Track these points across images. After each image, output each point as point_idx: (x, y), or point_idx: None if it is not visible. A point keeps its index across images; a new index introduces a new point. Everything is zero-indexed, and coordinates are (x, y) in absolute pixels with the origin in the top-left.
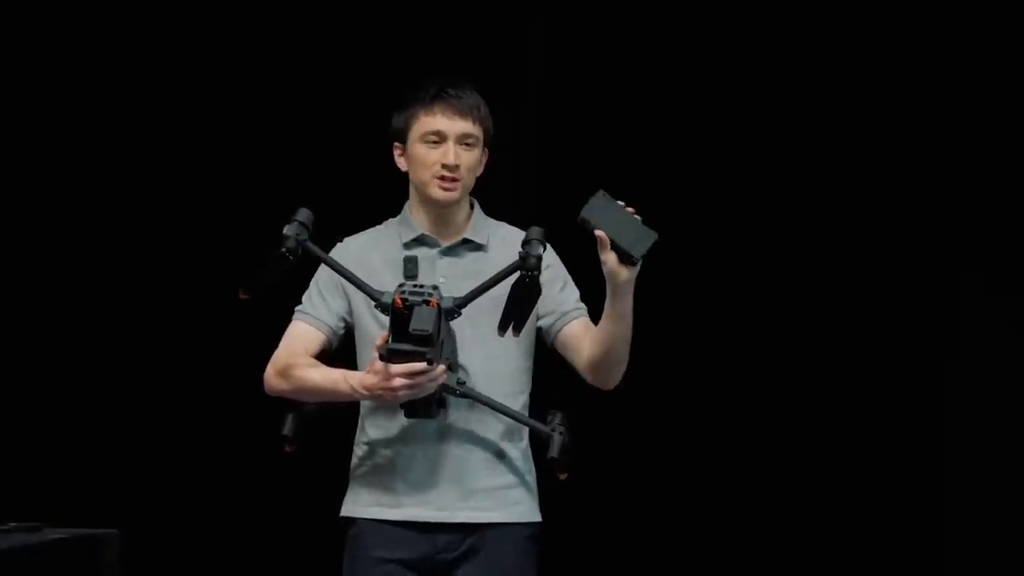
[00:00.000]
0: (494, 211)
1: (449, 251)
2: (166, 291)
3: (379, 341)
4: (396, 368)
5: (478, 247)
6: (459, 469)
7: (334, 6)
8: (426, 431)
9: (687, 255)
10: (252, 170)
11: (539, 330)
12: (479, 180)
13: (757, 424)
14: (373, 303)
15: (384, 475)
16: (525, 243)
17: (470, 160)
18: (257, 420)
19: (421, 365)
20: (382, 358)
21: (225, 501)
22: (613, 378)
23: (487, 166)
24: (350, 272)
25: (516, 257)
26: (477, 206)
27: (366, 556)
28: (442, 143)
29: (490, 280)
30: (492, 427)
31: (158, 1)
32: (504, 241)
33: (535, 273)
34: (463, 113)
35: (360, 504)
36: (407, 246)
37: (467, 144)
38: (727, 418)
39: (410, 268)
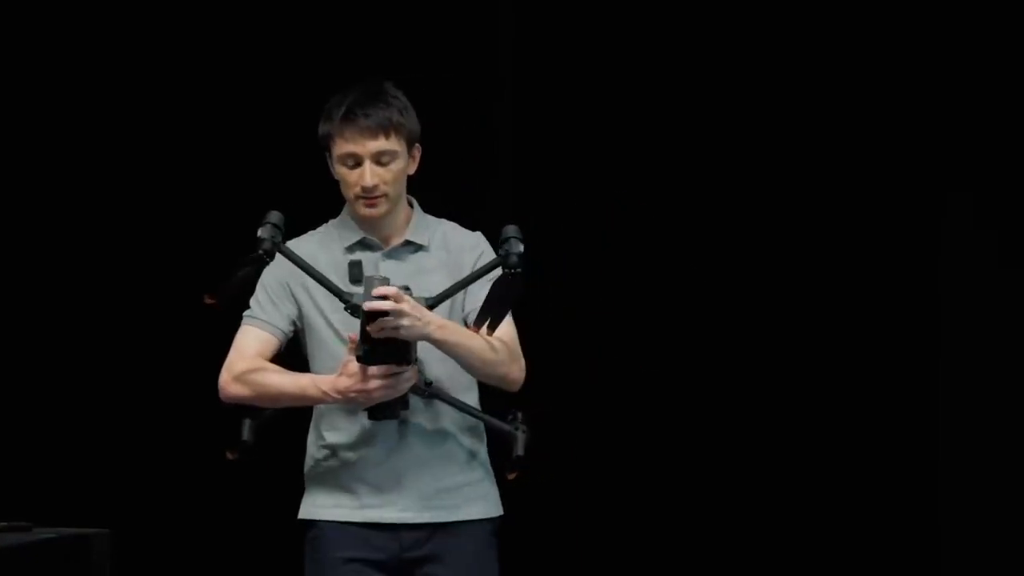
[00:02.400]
0: (467, 210)
1: (391, 254)
2: (154, 292)
3: (351, 344)
4: (374, 370)
5: (419, 247)
6: (421, 468)
7: (307, 4)
8: (387, 431)
9: (665, 251)
10: (228, 170)
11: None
12: (411, 178)
13: (743, 410)
14: (343, 305)
15: (345, 477)
16: (504, 241)
17: (389, 175)
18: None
19: (400, 367)
20: (359, 360)
21: (215, 500)
22: (496, 383)
23: (422, 160)
24: (321, 274)
25: (457, 254)
26: (416, 205)
27: (331, 556)
28: (359, 164)
29: (464, 280)
30: (451, 424)
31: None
32: (444, 238)
33: (518, 271)
34: (373, 132)
35: (321, 506)
36: (350, 250)
37: (383, 162)
38: (714, 408)
39: (355, 272)
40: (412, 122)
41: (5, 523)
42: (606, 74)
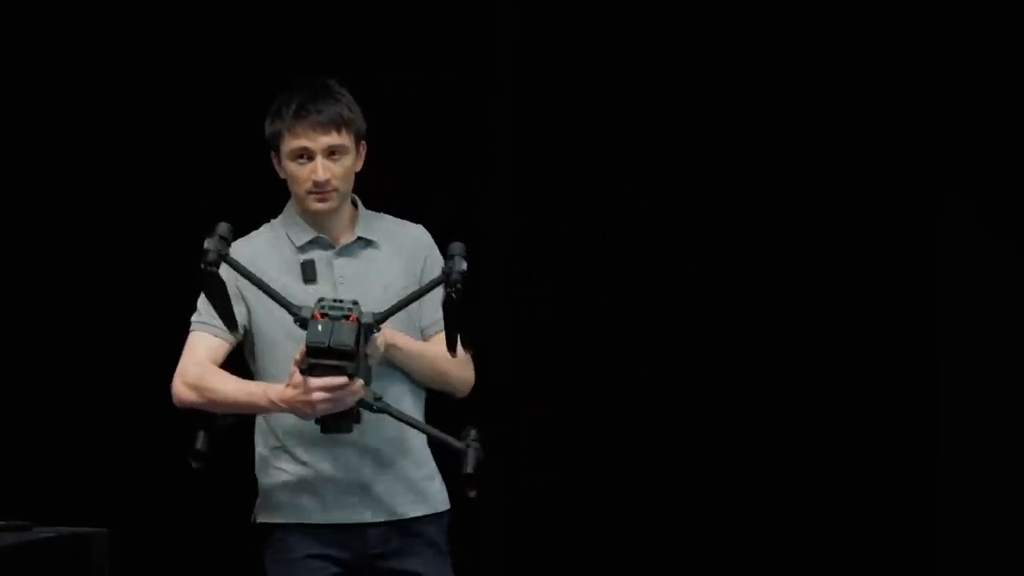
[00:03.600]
0: (467, 210)
1: (343, 251)
2: (152, 292)
3: (298, 356)
4: (315, 382)
5: (369, 243)
6: (379, 467)
7: (307, 4)
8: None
9: (665, 251)
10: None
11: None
12: (360, 175)
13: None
14: (292, 319)
15: (305, 480)
16: (448, 259)
17: (340, 170)
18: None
19: (341, 380)
20: (302, 372)
21: (215, 499)
22: (449, 390)
23: (367, 157)
24: (268, 285)
25: (411, 250)
26: (359, 202)
27: (295, 556)
28: (310, 160)
29: (410, 296)
30: (394, 422)
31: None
32: (389, 234)
33: (459, 288)
34: (325, 128)
35: (281, 509)
36: (302, 249)
37: (334, 156)
38: (715, 408)
39: (308, 272)
40: (360, 119)
41: (4, 522)
42: (606, 74)
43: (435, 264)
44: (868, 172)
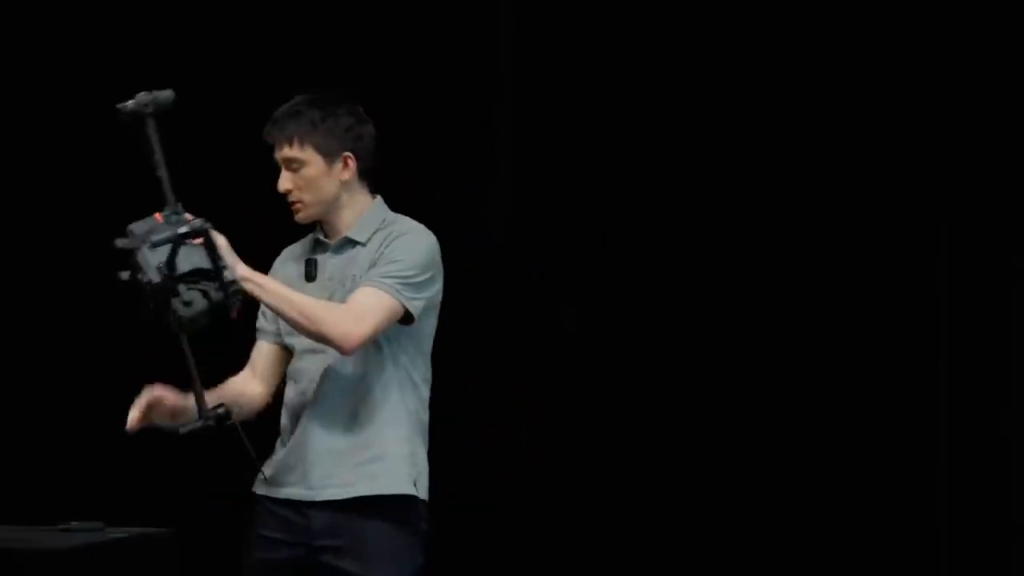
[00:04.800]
0: (467, 210)
1: (335, 250)
2: None
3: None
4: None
5: (356, 243)
6: (324, 446)
7: (307, 4)
8: (298, 407)
9: (665, 251)
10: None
11: None
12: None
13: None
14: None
15: (274, 453)
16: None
17: (301, 181)
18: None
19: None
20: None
21: None
22: (324, 342)
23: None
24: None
25: (384, 242)
26: (376, 203)
27: (255, 534)
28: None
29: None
30: (350, 400)
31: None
32: (381, 233)
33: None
34: (280, 141)
35: (259, 480)
36: (312, 250)
37: (292, 168)
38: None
39: (310, 270)
40: (326, 134)
41: (76, 523)
42: (606, 74)
43: (391, 247)
44: (869, 172)
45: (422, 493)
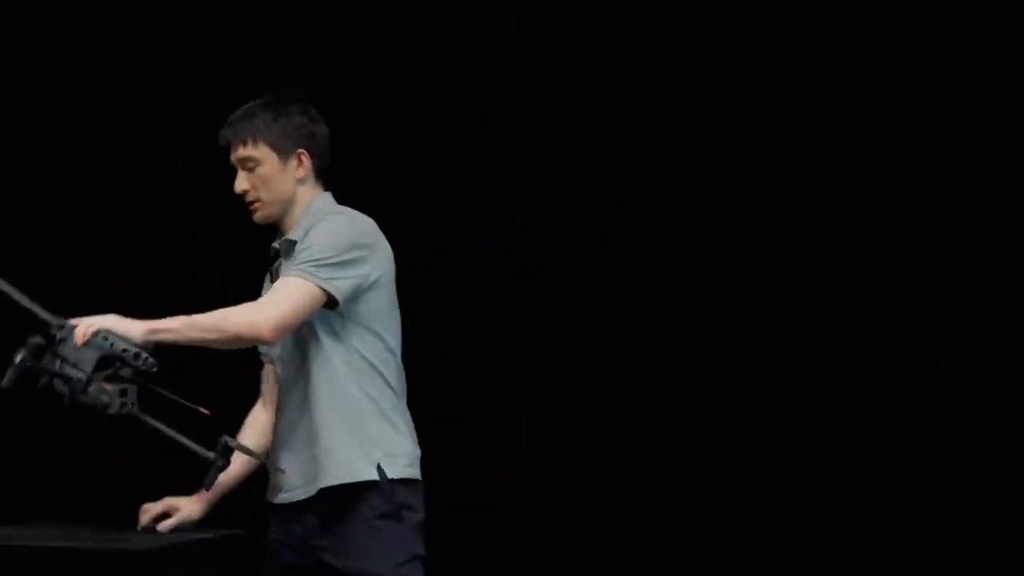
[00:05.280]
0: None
1: (284, 254)
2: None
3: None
4: None
5: (293, 243)
6: (287, 447)
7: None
8: (280, 408)
9: (665, 252)
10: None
11: None
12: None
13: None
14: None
15: None
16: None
17: (256, 180)
18: None
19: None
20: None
21: None
22: (246, 342)
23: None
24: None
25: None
26: (316, 199)
27: (268, 541)
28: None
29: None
30: (300, 398)
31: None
32: (310, 226)
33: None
34: (234, 142)
35: (268, 488)
36: (273, 259)
37: (248, 167)
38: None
39: (274, 274)
40: (279, 132)
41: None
42: (605, 74)
43: (308, 236)
44: (867, 172)
45: (394, 472)
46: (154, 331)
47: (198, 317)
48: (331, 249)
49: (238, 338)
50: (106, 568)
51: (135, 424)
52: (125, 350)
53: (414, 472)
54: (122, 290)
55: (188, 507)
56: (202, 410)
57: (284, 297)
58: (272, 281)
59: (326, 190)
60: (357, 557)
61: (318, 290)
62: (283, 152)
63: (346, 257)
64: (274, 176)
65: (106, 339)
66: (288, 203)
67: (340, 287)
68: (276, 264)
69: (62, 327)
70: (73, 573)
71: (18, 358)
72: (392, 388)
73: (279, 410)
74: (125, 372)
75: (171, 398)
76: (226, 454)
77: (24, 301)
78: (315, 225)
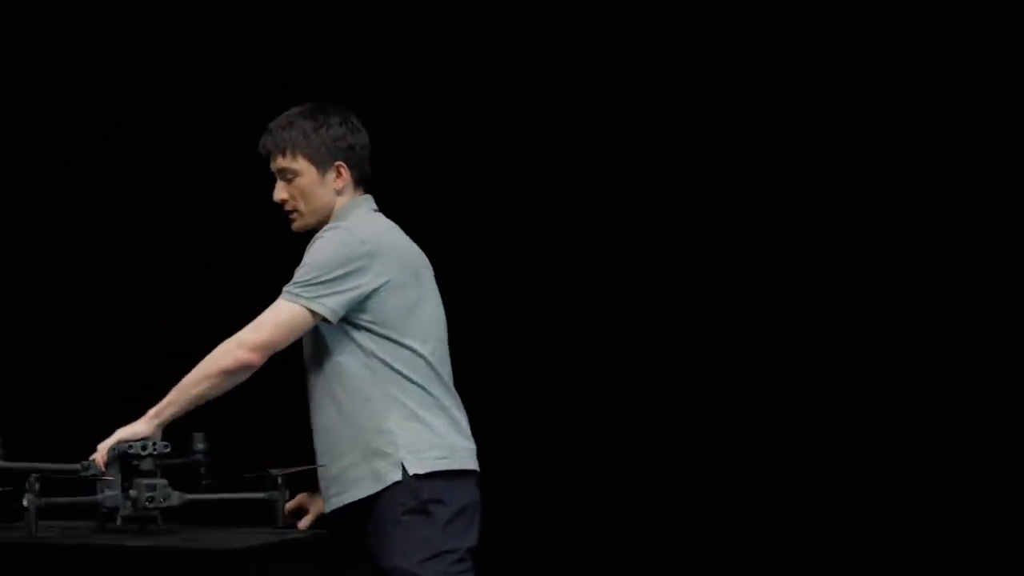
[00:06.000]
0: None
1: None
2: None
3: None
4: None
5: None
6: (322, 456)
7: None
8: (312, 422)
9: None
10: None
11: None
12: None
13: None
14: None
15: None
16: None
17: (295, 191)
18: None
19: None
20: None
21: None
22: (239, 376)
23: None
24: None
25: None
26: (338, 208)
27: (336, 551)
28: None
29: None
30: (325, 412)
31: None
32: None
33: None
34: (272, 152)
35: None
36: None
37: (287, 178)
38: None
39: None
40: (318, 144)
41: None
42: (605, 75)
43: (305, 255)
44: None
45: (419, 468)
46: (156, 415)
47: (185, 378)
48: (318, 268)
49: (229, 373)
50: (203, 568)
51: (191, 506)
52: (131, 446)
53: (450, 463)
54: (160, 308)
55: (318, 503)
56: (271, 472)
57: (266, 319)
58: None
59: (366, 193)
60: (387, 554)
61: (303, 310)
62: (321, 165)
63: (337, 273)
64: (313, 188)
65: (114, 450)
66: (326, 214)
67: (329, 304)
68: None
69: (87, 468)
70: (172, 573)
71: (26, 501)
72: (422, 387)
73: (312, 419)
74: (146, 465)
75: (237, 476)
76: (282, 488)
77: (46, 468)
78: (312, 242)
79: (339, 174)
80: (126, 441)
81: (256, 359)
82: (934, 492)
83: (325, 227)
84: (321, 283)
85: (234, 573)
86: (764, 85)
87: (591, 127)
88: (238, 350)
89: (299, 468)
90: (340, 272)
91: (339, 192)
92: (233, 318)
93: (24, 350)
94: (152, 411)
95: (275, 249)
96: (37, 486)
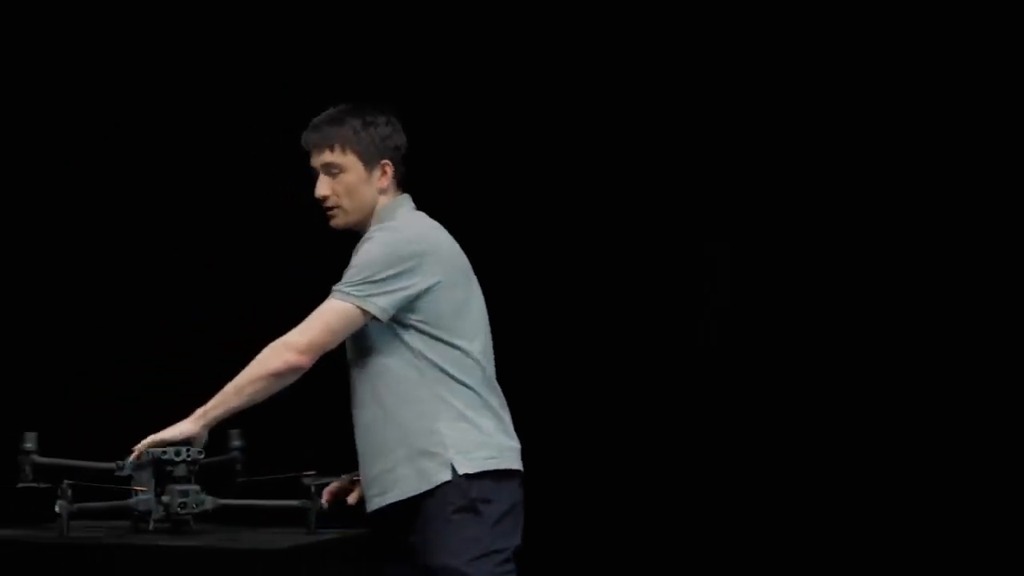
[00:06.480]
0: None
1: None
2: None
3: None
4: None
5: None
6: (365, 456)
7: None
8: (354, 422)
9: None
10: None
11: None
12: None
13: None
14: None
15: None
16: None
17: (340, 187)
18: None
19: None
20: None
21: None
22: (286, 379)
23: (393, 173)
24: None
25: None
26: (380, 208)
27: (378, 550)
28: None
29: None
30: (368, 411)
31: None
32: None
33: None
34: (318, 146)
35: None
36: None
37: (331, 173)
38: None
39: None
40: (367, 141)
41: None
42: (605, 76)
43: (354, 256)
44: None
45: (469, 467)
46: (203, 416)
47: (233, 381)
48: (368, 268)
49: (278, 376)
50: (248, 567)
51: (224, 511)
52: (164, 452)
53: (498, 463)
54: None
55: (359, 486)
56: (304, 482)
57: (315, 319)
58: None
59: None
60: (435, 552)
61: (354, 309)
62: (369, 162)
63: (387, 273)
64: (359, 185)
65: (148, 454)
66: (367, 212)
67: (380, 303)
68: None
69: (122, 467)
70: (216, 572)
71: (58, 507)
72: (470, 387)
73: (354, 419)
74: (179, 471)
75: (270, 478)
76: (314, 496)
77: (82, 466)
78: (362, 243)
79: (384, 172)
80: (160, 446)
81: (305, 361)
82: (934, 492)
83: (373, 227)
84: (372, 282)
85: (276, 573)
86: (764, 86)
87: (591, 128)
88: (287, 352)
89: (332, 478)
90: (391, 272)
91: (382, 191)
92: (233, 318)
93: (60, 347)
94: (199, 411)
95: (275, 249)
96: (70, 492)
